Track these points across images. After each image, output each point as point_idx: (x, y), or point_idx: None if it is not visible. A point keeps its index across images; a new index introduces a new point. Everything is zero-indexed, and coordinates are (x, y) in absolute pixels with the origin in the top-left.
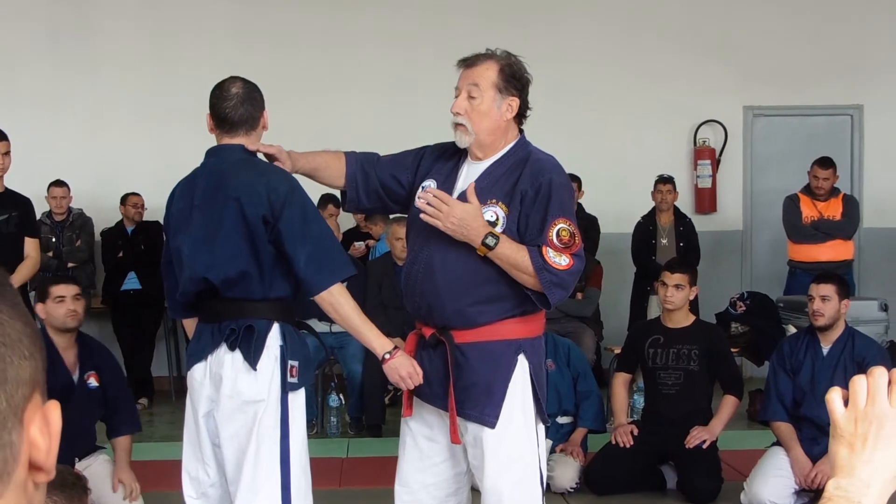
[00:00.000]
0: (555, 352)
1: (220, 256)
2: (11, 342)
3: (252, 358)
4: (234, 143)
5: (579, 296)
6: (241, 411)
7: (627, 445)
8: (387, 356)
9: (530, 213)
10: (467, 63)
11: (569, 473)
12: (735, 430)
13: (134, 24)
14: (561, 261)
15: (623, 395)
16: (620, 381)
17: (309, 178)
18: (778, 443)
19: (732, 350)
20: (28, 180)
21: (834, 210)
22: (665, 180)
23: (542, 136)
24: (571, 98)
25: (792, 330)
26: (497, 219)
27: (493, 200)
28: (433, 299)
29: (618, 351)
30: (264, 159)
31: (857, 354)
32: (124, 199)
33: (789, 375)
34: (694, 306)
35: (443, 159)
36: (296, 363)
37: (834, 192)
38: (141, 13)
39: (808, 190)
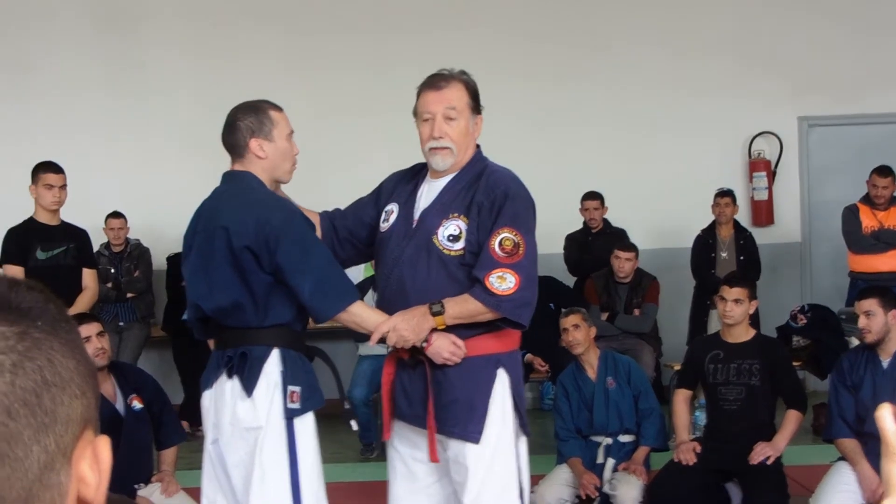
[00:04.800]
0: (615, 370)
1: (213, 286)
2: (63, 382)
3: (247, 385)
4: (240, 171)
5: (637, 312)
6: (242, 438)
7: (690, 463)
8: (424, 344)
9: (486, 223)
10: (434, 86)
11: (632, 492)
12: (800, 445)
13: (183, 53)
14: (507, 284)
15: (684, 412)
16: (681, 397)
17: None
18: (844, 458)
19: (794, 364)
20: (85, 212)
21: (894, 219)
22: (724, 193)
23: (598, 156)
24: (626, 115)
25: (855, 342)
26: (460, 232)
27: (455, 214)
28: None
29: (677, 367)
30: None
31: None
32: None
33: (850, 392)
34: (754, 320)
35: (402, 183)
36: (297, 388)
37: (894, 200)
38: (189, 43)
39: (867, 199)
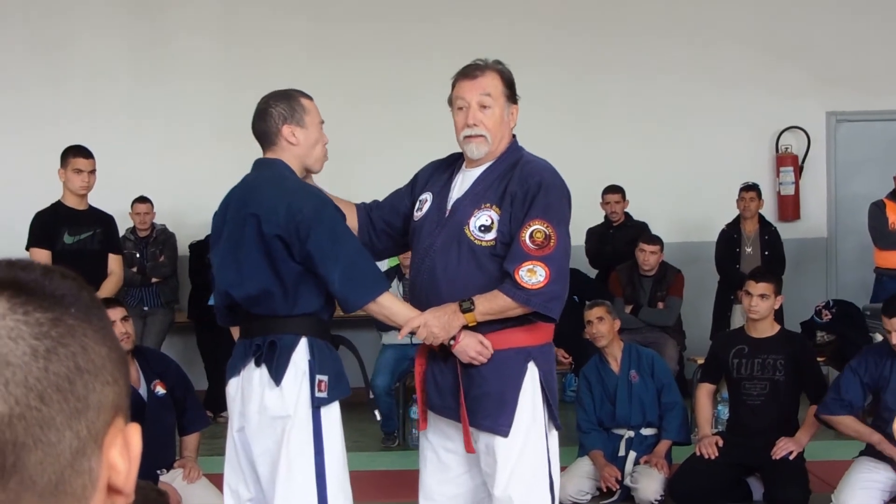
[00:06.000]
0: (638, 363)
1: (243, 273)
2: (95, 368)
3: (275, 373)
4: (271, 158)
5: (660, 305)
6: (269, 427)
7: (712, 457)
8: (452, 342)
9: (518, 214)
10: (469, 75)
11: (653, 486)
12: (822, 440)
13: (210, 40)
14: (537, 277)
15: (707, 406)
16: (704, 391)
17: None
18: (865, 452)
19: (818, 359)
20: (111, 196)
21: None
22: (749, 188)
23: (623, 149)
24: (651, 108)
25: (879, 338)
26: (492, 222)
27: (487, 204)
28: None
29: (701, 361)
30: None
31: None
32: None
33: (863, 387)
34: (779, 315)
35: (438, 173)
36: (325, 378)
37: None
38: (217, 30)
39: (893, 195)
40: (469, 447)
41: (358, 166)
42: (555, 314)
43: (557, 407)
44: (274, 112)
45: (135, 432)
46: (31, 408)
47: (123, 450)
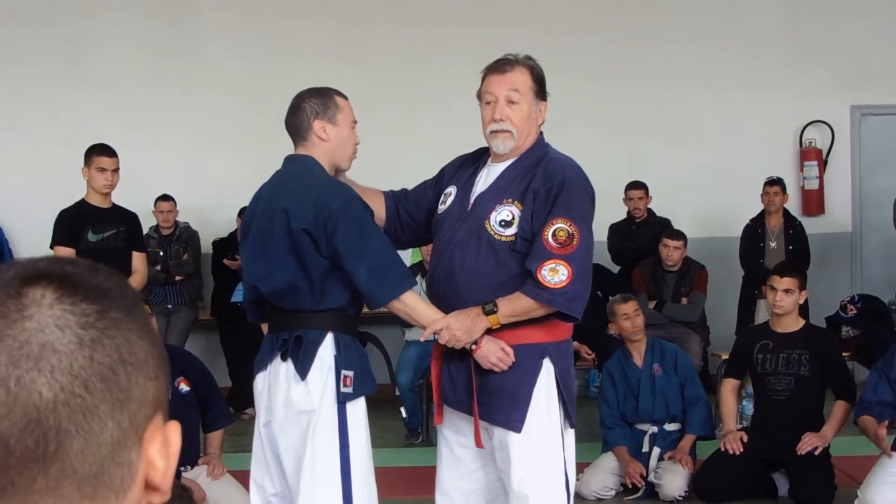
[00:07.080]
0: (661, 357)
1: (271, 268)
2: (138, 362)
3: (301, 368)
4: (301, 154)
5: (684, 301)
6: (294, 421)
7: (737, 452)
8: (474, 346)
9: (541, 211)
10: (498, 69)
11: (677, 481)
12: (848, 436)
13: (231, 41)
14: (559, 277)
15: (732, 401)
16: (729, 387)
17: None
18: (892, 447)
19: (843, 354)
20: (134, 195)
21: None
22: (774, 182)
23: (644, 144)
24: (676, 104)
25: None
26: (513, 217)
27: (509, 199)
28: (455, 302)
29: (725, 356)
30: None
31: None
32: (242, 212)
33: (891, 385)
34: (803, 310)
35: (464, 167)
36: (350, 373)
37: None
38: (238, 30)
39: None
40: (479, 441)
41: (379, 167)
42: (577, 314)
43: (574, 405)
44: (307, 107)
45: (174, 430)
46: (76, 395)
47: (163, 447)
